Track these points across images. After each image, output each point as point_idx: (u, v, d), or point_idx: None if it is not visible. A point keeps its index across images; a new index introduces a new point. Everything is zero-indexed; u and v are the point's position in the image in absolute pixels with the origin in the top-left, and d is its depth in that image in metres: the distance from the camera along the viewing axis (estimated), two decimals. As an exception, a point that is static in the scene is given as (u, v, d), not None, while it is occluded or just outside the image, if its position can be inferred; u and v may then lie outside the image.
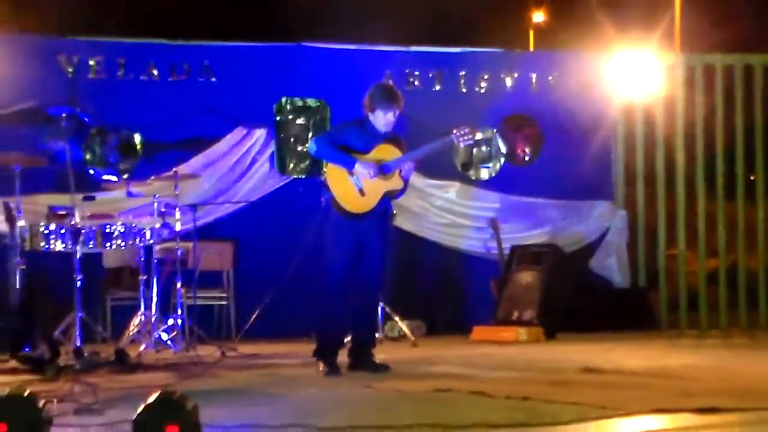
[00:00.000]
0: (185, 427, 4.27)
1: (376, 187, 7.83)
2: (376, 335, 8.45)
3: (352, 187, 7.80)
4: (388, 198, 7.96)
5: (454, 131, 7.94)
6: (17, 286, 8.45)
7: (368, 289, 7.96)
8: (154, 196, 9.43)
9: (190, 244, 10.03)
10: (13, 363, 8.22)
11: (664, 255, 13.13)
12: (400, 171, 7.89)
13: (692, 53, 14.01)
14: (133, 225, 8.98)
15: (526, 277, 11.77)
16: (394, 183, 7.92)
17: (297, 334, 11.46)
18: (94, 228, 8.69)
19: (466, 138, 7.95)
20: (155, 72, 11.92)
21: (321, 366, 7.74)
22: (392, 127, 7.98)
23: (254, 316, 10.74)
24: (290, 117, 12.27)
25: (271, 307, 10.95)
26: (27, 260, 8.58)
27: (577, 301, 12.03)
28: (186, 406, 4.36)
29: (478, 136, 7.89)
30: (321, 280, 7.92)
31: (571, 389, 6.34)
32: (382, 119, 7.91)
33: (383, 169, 7.81)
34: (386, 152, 7.88)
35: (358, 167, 7.74)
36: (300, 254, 9.20)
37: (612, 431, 4.82)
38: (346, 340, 8.22)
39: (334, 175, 7.88)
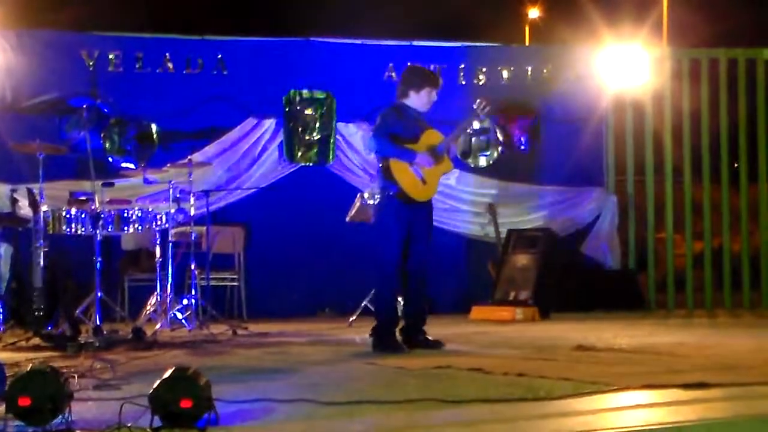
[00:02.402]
0: (198, 402, 4.26)
1: (434, 174, 7.83)
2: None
3: (415, 177, 7.75)
4: None
5: (474, 106, 7.97)
6: (41, 268, 8.43)
7: (420, 270, 7.88)
8: (170, 182, 9.41)
9: (204, 228, 10.01)
10: (36, 340, 8.21)
11: (652, 238, 13.10)
12: (448, 152, 7.89)
13: (679, 47, 13.96)
14: (150, 210, 8.96)
15: (522, 259, 11.75)
16: (447, 165, 7.97)
17: (304, 313, 11.51)
18: (112, 212, 8.67)
19: (484, 108, 7.95)
20: (171, 65, 11.89)
21: (384, 347, 7.61)
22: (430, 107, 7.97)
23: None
24: (298, 108, 12.22)
25: (279, 288, 10.93)
26: (50, 243, 8.55)
27: (570, 282, 12.01)
28: (199, 381, 4.34)
29: (489, 104, 7.95)
30: (380, 266, 7.79)
31: (565, 366, 6.32)
32: (427, 98, 7.88)
33: (438, 154, 7.80)
34: (434, 137, 7.85)
35: (419, 159, 7.71)
36: None
37: (603, 406, 4.79)
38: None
39: (397, 168, 7.73)
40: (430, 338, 7.82)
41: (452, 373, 6.08)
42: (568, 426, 4.36)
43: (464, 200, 12.63)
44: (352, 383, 5.72)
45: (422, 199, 7.80)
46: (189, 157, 9.77)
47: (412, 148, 7.72)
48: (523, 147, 12.91)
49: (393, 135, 7.74)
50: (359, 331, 8.70)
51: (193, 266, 9.44)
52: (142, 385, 5.13)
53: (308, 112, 12.26)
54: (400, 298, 8.81)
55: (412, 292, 7.95)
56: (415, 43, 12.70)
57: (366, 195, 10.33)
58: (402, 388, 5.42)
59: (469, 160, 12.79)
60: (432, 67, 12.43)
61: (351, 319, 10.26)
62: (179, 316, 9.21)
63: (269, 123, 12.08)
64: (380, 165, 7.83)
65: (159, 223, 8.95)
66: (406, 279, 7.99)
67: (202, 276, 10.04)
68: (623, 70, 12.76)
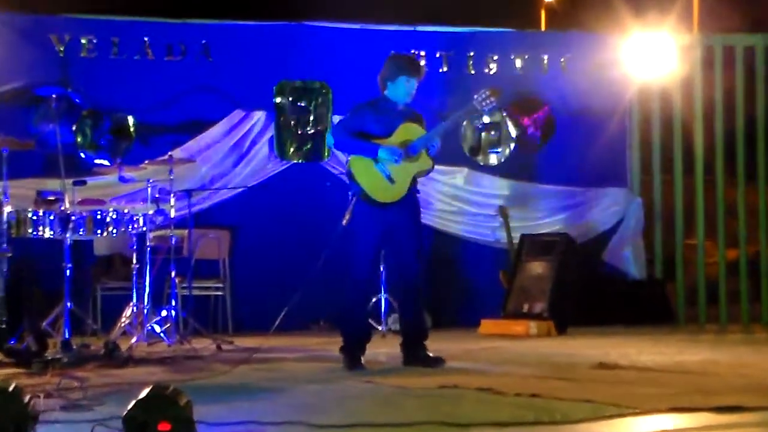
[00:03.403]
0: (178, 424, 4.23)
1: (405, 172, 7.67)
2: (428, 325, 8.29)
3: (379, 176, 7.66)
4: (416, 179, 7.84)
5: (475, 96, 7.68)
6: (4, 275, 8.40)
7: (408, 276, 7.81)
8: (148, 181, 9.39)
9: (185, 232, 9.99)
10: (-2, 355, 8.19)
11: (681, 245, 13.08)
12: (427, 149, 7.76)
13: (711, 33, 13.93)
14: (126, 211, 8.94)
15: (537, 267, 11.73)
16: (423, 163, 7.75)
17: (296, 326, 11.45)
18: (84, 214, 8.64)
19: (488, 102, 7.66)
20: (150, 51, 11.89)
21: (343, 361, 7.68)
22: (413, 98, 7.82)
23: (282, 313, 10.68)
24: (291, 99, 12.22)
25: (268, 299, 10.91)
26: (14, 248, 8.52)
27: (590, 293, 12.00)
28: (179, 401, 4.32)
29: (497, 98, 7.67)
30: (346, 273, 7.79)
31: (584, 386, 6.30)
32: (404, 88, 7.73)
33: (409, 151, 7.66)
34: (410, 132, 7.71)
35: (381, 154, 7.62)
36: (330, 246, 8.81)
37: (626, 430, 4.77)
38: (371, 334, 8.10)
39: (358, 166, 7.69)
40: (430, 354, 7.78)
41: (458, 393, 6.06)
42: (587, 453, 4.35)
43: (472, 202, 12.62)
44: (348, 404, 5.71)
45: (388, 200, 7.68)
46: (170, 152, 9.74)
47: (378, 142, 7.65)
48: (537, 143, 12.90)
49: (362, 133, 7.67)
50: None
51: (173, 274, 9.42)
52: (115, 406, 5.11)
53: (302, 103, 12.24)
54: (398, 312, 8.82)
55: (407, 303, 7.93)
56: (419, 28, 12.69)
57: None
58: (403, 409, 5.40)
59: (479, 158, 12.78)
60: (438, 54, 12.47)
61: (370, 333, 10.21)
62: (157, 329, 9.19)
63: (258, 116, 12.08)
64: (347, 163, 7.85)
65: (136, 226, 8.92)
66: (399, 290, 8.00)
67: (184, 285, 10.03)
68: (649, 59, 12.75)
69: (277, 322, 8.01)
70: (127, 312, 9.31)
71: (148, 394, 4.32)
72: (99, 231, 8.74)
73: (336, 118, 12.09)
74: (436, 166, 7.91)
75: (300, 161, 12.20)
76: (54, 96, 10.69)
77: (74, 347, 8.21)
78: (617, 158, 13.02)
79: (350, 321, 7.82)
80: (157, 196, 9.39)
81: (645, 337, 10.38)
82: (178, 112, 11.86)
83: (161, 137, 11.66)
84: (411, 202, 7.84)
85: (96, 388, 6.33)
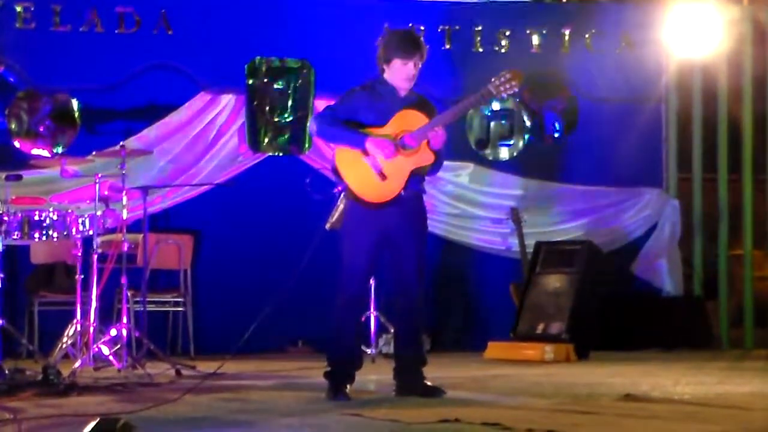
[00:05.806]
0: (129, 464, 4.26)
1: (400, 167, 7.61)
2: (426, 348, 8.31)
3: (369, 171, 7.66)
4: (418, 178, 7.74)
5: (492, 79, 7.64)
6: None
7: (406, 294, 7.81)
8: (96, 176, 9.39)
9: (140, 237, 10.01)
10: None
11: (726, 256, 13.09)
12: (428, 141, 7.67)
13: (763, 5, 13.92)
14: (69, 211, 8.94)
15: (554, 281, 11.74)
16: (422, 158, 7.66)
17: (270, 348, 11.47)
18: (19, 215, 8.65)
19: (508, 87, 7.62)
20: (98, 22, 11.87)
21: (327, 388, 7.70)
22: (413, 82, 7.76)
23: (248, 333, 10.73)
24: (265, 80, 12.22)
25: (237, 315, 10.93)
26: (-64, 255, 8.55)
27: (617, 312, 12.02)
28: (130, 437, 4.34)
29: (518, 83, 7.60)
30: (334, 288, 7.81)
31: (609, 421, 6.33)
32: (401, 72, 7.67)
33: (404, 143, 7.62)
34: (408, 121, 7.68)
35: (369, 145, 7.64)
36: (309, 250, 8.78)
37: (658, 474, 4.81)
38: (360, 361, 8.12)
39: (344, 159, 7.66)
40: (428, 383, 7.81)
41: (461, 428, 6.09)
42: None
43: (479, 204, 12.64)
44: (331, 441, 5.73)
45: (379, 199, 7.66)
46: (121, 143, 9.76)
47: (369, 132, 7.63)
48: (556, 134, 12.93)
49: (353, 121, 7.66)
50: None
51: (125, 286, 9.42)
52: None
53: (278, 85, 12.25)
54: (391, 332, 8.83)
55: (404, 325, 7.94)
56: (417, -4, 12.72)
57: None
58: (396, 448, 5.43)
59: (487, 152, 12.79)
60: (440, 29, 12.48)
61: (360, 360, 10.22)
62: (106, 351, 9.18)
63: (227, 100, 12.08)
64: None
65: (81, 229, 8.93)
66: (395, 309, 8.02)
67: (137, 299, 10.04)
68: (690, 35, 12.73)
69: (241, 341, 8.01)
70: (70, 331, 9.32)
71: (94, 427, 4.34)
72: (37, 235, 8.74)
73: (319, 103, 12.09)
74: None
75: (276, 154, 12.20)
76: (-18, 75, 10.73)
77: (6, 372, 8.21)
78: (650, 153, 13.04)
79: (338, 344, 7.82)
80: (106, 193, 9.40)
81: (681, 364, 10.40)
82: (132, 94, 11.86)
83: (111, 124, 11.67)
84: (412, 204, 7.80)
85: (32, 421, 6.34)
